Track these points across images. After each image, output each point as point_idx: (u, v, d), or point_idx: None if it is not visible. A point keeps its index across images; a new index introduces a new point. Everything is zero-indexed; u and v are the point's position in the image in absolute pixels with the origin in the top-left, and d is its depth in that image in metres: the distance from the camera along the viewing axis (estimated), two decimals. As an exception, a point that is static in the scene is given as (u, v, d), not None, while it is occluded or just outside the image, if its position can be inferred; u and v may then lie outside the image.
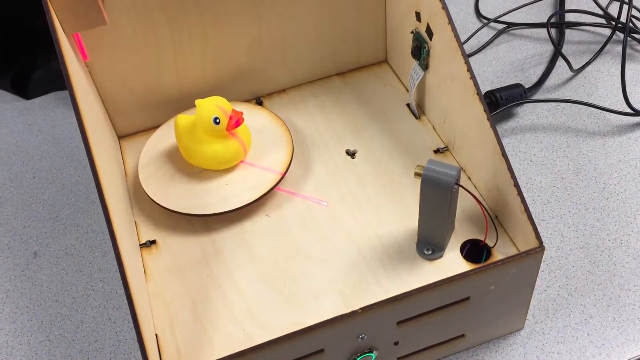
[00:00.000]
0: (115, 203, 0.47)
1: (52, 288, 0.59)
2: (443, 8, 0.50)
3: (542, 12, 0.82)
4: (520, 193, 0.46)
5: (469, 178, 0.54)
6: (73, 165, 0.71)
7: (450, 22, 0.49)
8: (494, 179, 0.50)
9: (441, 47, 0.52)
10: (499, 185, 0.49)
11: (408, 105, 0.62)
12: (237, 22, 0.58)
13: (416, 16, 0.55)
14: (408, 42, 0.58)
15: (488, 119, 0.48)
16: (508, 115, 0.69)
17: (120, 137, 0.62)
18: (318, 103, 0.63)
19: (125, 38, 0.55)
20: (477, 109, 0.49)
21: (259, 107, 0.61)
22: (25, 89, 0.79)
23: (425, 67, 0.56)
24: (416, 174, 0.45)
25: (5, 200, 0.68)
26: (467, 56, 0.49)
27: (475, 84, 0.49)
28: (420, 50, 0.56)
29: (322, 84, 0.65)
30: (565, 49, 0.76)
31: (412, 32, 0.56)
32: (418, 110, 0.60)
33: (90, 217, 0.65)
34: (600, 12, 0.78)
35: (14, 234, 0.64)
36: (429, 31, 0.54)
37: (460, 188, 0.46)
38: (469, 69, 0.49)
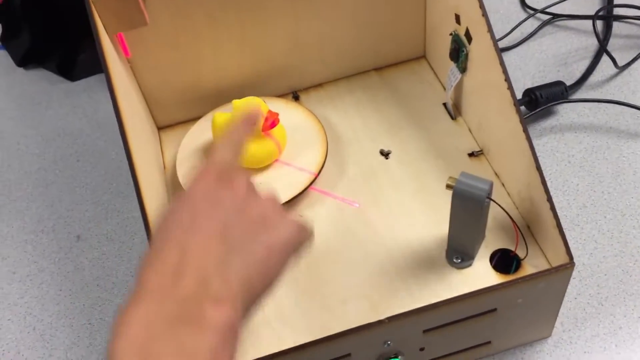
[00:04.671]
0: (150, 195, 0.48)
1: (94, 272, 0.62)
2: (483, 15, 0.49)
3: (591, 2, 0.79)
4: (553, 207, 0.46)
5: (503, 185, 0.54)
6: (115, 150, 0.73)
7: (490, 30, 0.49)
8: (527, 190, 0.49)
9: (479, 53, 0.52)
10: (532, 197, 0.48)
11: (444, 104, 0.61)
12: (274, 19, 0.58)
13: (456, 19, 0.54)
14: (447, 43, 0.57)
15: (524, 131, 0.48)
16: (548, 113, 0.68)
17: (160, 128, 0.64)
18: (354, 99, 0.63)
19: (166, 35, 0.56)
20: (513, 119, 0.48)
21: (295, 103, 0.62)
22: (70, 71, 0.81)
23: (463, 70, 0.56)
24: (448, 186, 0.45)
25: (51, 182, 0.71)
26: (505, 65, 0.48)
27: (513, 95, 0.48)
28: (458, 53, 0.55)
29: (359, 80, 0.65)
30: (612, 43, 0.74)
31: (451, 34, 0.56)
32: (454, 111, 0.60)
33: (130, 202, 0.67)
34: (652, 6, 0.75)
35: (59, 217, 0.67)
36: (468, 35, 0.53)
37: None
38: (507, 79, 0.48)
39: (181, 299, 0.31)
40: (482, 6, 0.49)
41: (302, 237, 0.37)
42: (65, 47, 0.80)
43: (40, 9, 0.77)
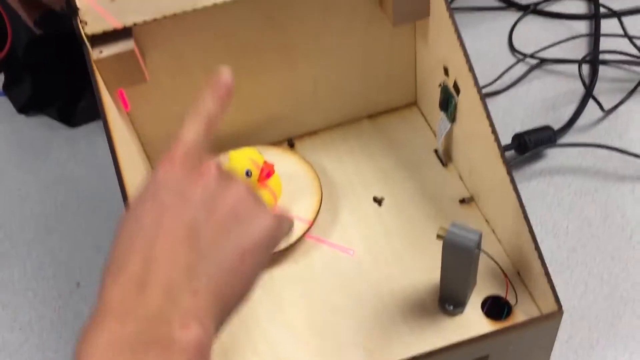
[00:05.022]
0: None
1: (94, 319, 0.63)
2: (470, 70, 0.51)
3: (578, 47, 0.81)
4: (541, 256, 0.47)
5: (493, 231, 0.55)
6: (115, 196, 0.74)
7: (476, 84, 0.51)
8: (516, 238, 0.51)
9: (467, 104, 0.54)
10: (521, 245, 0.50)
11: (436, 151, 0.63)
12: (270, 70, 0.60)
13: (444, 71, 0.56)
14: (437, 93, 0.59)
15: (511, 181, 0.49)
16: (537, 157, 0.70)
17: (159, 176, 0.65)
18: (348, 147, 0.65)
19: (165, 89, 0.58)
20: (500, 170, 0.50)
21: (290, 152, 0.63)
22: (71, 118, 0.83)
23: (452, 119, 0.57)
24: (438, 236, 0.47)
25: (52, 228, 0.72)
26: (491, 117, 0.50)
27: (499, 146, 0.50)
28: (447, 103, 0.57)
29: (352, 127, 0.67)
30: (598, 87, 0.76)
31: (440, 85, 0.58)
32: (445, 158, 0.62)
33: (129, 248, 0.68)
34: (636, 52, 0.77)
35: (59, 263, 0.68)
36: (456, 87, 0.55)
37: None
38: (494, 131, 0.50)
39: (146, 318, 0.28)
40: (468, 61, 0.51)
41: (279, 232, 0.34)
42: (66, 95, 0.82)
43: (42, 59, 0.79)
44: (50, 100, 0.83)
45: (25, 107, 0.84)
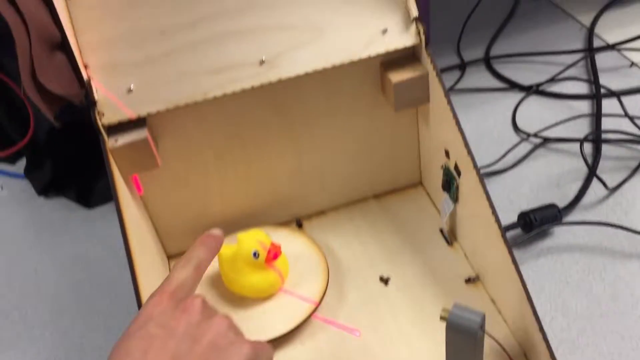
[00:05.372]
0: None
1: (102, 402, 0.63)
2: (468, 154, 0.53)
3: (580, 126, 0.83)
4: (545, 339, 0.47)
5: (499, 312, 0.55)
6: (127, 277, 0.76)
7: (475, 167, 0.52)
8: (521, 319, 0.51)
9: (468, 187, 0.55)
10: (526, 326, 0.50)
11: (441, 230, 0.64)
12: (278, 155, 0.63)
13: (445, 153, 0.58)
14: (440, 174, 0.61)
15: (513, 262, 0.50)
16: (544, 235, 0.70)
17: (169, 256, 0.67)
18: (354, 226, 0.66)
19: (177, 174, 0.60)
20: (502, 250, 0.51)
21: (297, 232, 0.65)
22: (88, 199, 0.85)
23: (455, 199, 0.59)
24: (442, 318, 0.47)
25: (66, 309, 0.73)
26: (491, 199, 0.51)
27: (500, 227, 0.51)
28: (450, 185, 0.59)
29: (359, 207, 0.68)
30: (602, 165, 0.77)
31: (442, 167, 0.59)
32: (450, 237, 0.63)
33: (140, 328, 0.69)
34: (637, 132, 0.79)
35: (72, 344, 0.69)
36: (457, 169, 0.56)
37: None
38: (494, 212, 0.51)
39: None
40: (466, 145, 0.53)
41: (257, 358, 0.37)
42: (84, 177, 0.85)
43: (62, 145, 0.83)
44: (69, 182, 0.86)
45: (44, 190, 0.87)
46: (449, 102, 0.54)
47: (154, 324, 0.35)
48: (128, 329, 0.36)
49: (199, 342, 0.35)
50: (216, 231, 0.44)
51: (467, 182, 0.55)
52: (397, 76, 0.57)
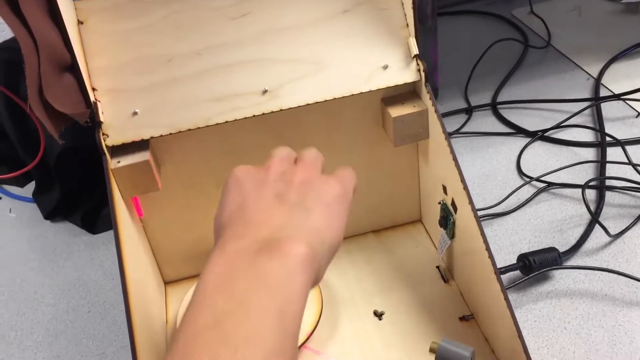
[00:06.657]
0: (146, 349, 0.50)
1: None
2: (464, 189, 0.53)
3: (583, 173, 0.83)
4: (535, 376, 0.46)
5: (493, 351, 0.55)
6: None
7: (471, 202, 0.52)
8: (512, 357, 0.50)
9: (463, 222, 0.55)
10: (517, 364, 0.49)
11: (438, 267, 0.64)
12: (278, 185, 0.64)
13: (443, 189, 0.59)
14: (438, 210, 0.61)
15: (505, 299, 0.49)
16: (544, 278, 0.70)
17: (167, 282, 0.67)
18: (351, 260, 0.66)
19: (177, 198, 0.61)
20: (495, 288, 0.51)
21: (294, 263, 0.65)
22: (93, 225, 0.86)
23: (452, 236, 0.59)
24: (431, 350, 0.47)
25: (61, 332, 0.73)
26: (485, 236, 0.51)
27: (494, 264, 0.51)
28: (447, 221, 0.59)
29: (357, 241, 0.68)
30: (605, 211, 0.77)
31: (439, 203, 0.60)
32: (447, 274, 0.62)
33: (134, 355, 0.69)
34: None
35: (64, 368, 0.69)
36: (454, 205, 0.57)
37: (474, 368, 0.47)
38: (487, 248, 0.51)
39: (260, 239, 0.35)
40: (462, 180, 0.53)
41: (347, 188, 0.42)
42: (91, 203, 0.87)
43: (72, 169, 0.84)
44: (75, 208, 0.87)
45: (51, 214, 0.88)
46: (447, 138, 0.55)
47: (243, 183, 0.41)
48: (222, 195, 0.42)
49: (292, 182, 0.40)
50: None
51: (463, 218, 0.55)
52: (396, 111, 0.58)
